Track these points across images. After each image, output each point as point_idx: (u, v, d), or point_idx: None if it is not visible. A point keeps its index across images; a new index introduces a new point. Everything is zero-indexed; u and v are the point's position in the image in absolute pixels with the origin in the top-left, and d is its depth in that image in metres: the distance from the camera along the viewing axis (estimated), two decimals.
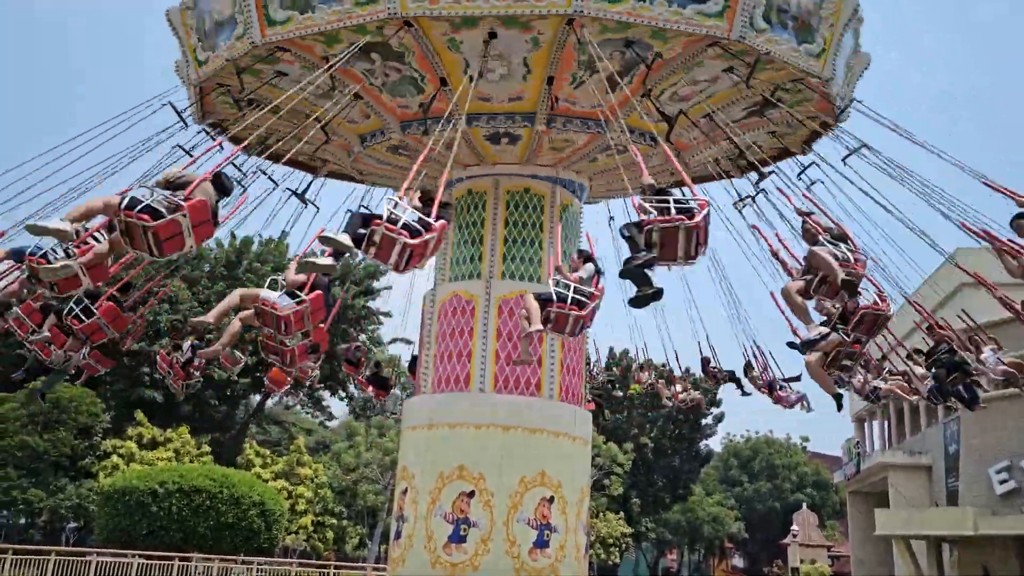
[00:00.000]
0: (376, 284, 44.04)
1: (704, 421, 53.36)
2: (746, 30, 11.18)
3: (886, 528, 36.19)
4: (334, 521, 42.79)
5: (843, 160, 13.10)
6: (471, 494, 12.38)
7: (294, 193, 15.42)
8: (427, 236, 7.74)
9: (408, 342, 37.84)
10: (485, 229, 14.23)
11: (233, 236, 42.22)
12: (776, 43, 11.57)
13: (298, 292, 9.57)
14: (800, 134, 14.66)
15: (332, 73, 11.91)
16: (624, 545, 49.87)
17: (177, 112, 12.25)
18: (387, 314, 44.31)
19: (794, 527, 49.33)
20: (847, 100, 13.71)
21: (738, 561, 72.61)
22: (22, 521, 37.21)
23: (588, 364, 17.43)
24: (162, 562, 26.10)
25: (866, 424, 51.57)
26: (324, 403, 53.82)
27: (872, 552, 45.77)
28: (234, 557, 28.32)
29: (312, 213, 16.03)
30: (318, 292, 9.52)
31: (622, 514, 49.42)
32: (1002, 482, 31.57)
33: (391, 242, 7.54)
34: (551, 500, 12.76)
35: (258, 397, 46.79)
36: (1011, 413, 30.64)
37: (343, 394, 46.38)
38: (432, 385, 13.83)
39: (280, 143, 13.02)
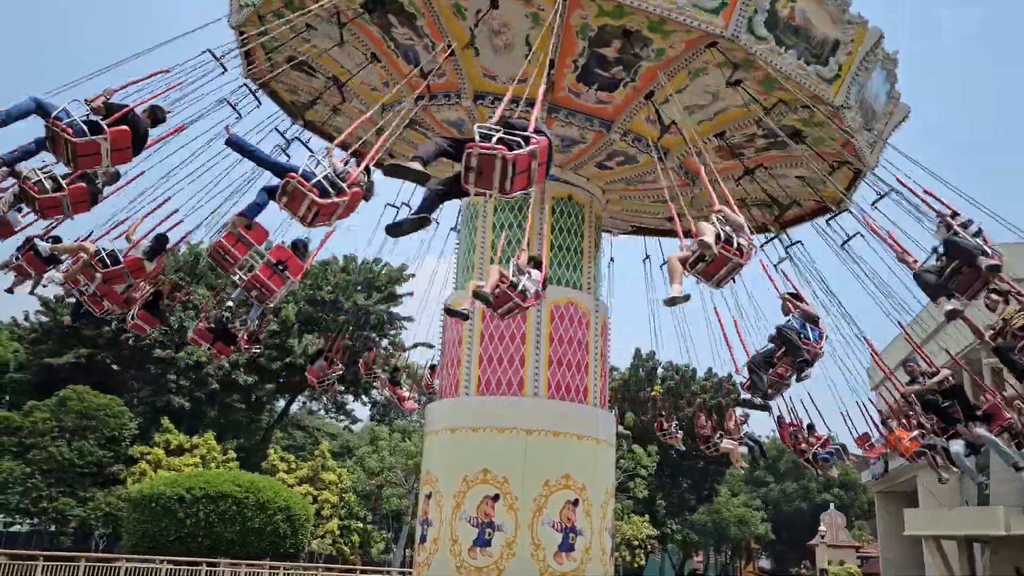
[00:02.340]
0: (399, 289, 44.17)
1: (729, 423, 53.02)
2: (742, 32, 11.00)
3: (915, 528, 35.73)
4: (359, 525, 42.96)
5: (872, 204, 12.89)
6: (496, 497, 12.37)
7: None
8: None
9: (430, 347, 37.86)
10: (486, 235, 14.29)
11: None
12: (778, 55, 11.36)
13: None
14: (832, 179, 14.47)
15: (349, 28, 12.03)
16: (650, 547, 49.62)
17: (216, 57, 12.27)
18: (408, 319, 44.40)
19: (821, 528, 48.83)
20: (878, 145, 13.40)
21: (765, 562, 71.99)
22: (52, 528, 37.71)
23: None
24: (190, 567, 26.32)
25: (894, 424, 50.86)
26: (348, 407, 54.15)
27: (901, 553, 45.15)
28: (261, 562, 28.51)
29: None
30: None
31: (647, 516, 49.18)
32: None
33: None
34: (576, 503, 12.72)
35: (282, 402, 47.12)
36: None
37: (366, 398, 46.55)
38: (450, 389, 13.85)
39: (310, 102, 13.09)
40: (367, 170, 8.39)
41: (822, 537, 47.27)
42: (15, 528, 43.99)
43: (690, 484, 56.08)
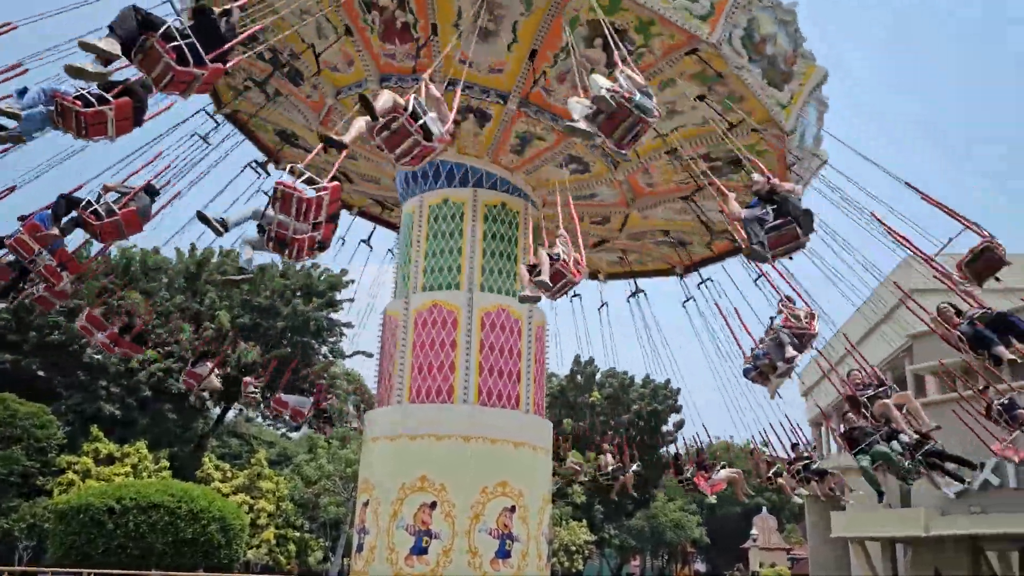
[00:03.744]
0: (338, 295, 43.84)
1: (665, 428, 53.96)
2: (727, 46, 11.28)
3: (841, 530, 36.93)
4: (297, 534, 42.38)
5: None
6: (433, 505, 12.45)
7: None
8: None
9: (369, 355, 37.73)
10: (464, 240, 14.37)
11: (193, 247, 41.76)
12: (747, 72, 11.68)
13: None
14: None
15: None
16: (587, 552, 50.12)
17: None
18: (348, 325, 44.04)
19: (754, 531, 50.03)
20: (794, 107, 13.14)
21: (700, 566, 73.28)
22: None
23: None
24: None
25: (823, 428, 52.45)
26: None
27: (830, 554, 46.56)
28: (193, 574, 27.95)
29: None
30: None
31: (585, 521, 49.69)
32: None
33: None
34: (513, 509, 12.86)
35: (218, 410, 46.23)
36: (962, 415, 31.45)
37: None
38: (388, 397, 13.88)
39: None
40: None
41: (754, 540, 48.45)
42: None
43: None
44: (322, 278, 42.82)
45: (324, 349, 43.86)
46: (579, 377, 52.22)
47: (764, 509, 63.08)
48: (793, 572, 59.52)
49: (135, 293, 35.23)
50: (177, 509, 28.23)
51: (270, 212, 8.56)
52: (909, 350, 36.29)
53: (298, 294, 42.33)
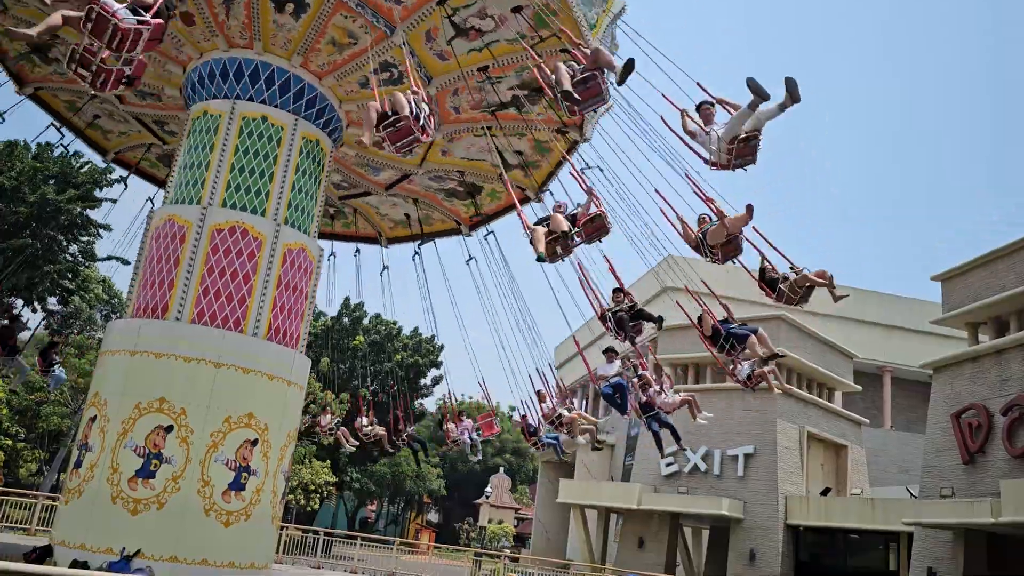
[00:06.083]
0: (99, 193, 39.88)
1: (423, 381, 55.00)
2: None
3: (567, 497, 39.74)
4: (9, 442, 38.65)
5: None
6: (169, 428, 11.93)
7: None
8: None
9: (125, 261, 35.10)
10: (213, 154, 13.66)
11: None
12: None
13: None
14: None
15: None
16: (326, 493, 50.14)
17: None
18: (107, 227, 40.35)
19: (488, 488, 52.58)
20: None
21: (433, 516, 75.92)
22: None
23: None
24: None
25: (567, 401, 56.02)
26: (16, 311, 48.17)
27: (553, 517, 50.17)
28: None
29: None
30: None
31: (329, 462, 49.62)
32: (667, 464, 35.91)
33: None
34: (255, 442, 12.63)
35: None
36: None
37: (38, 305, 41.77)
38: (139, 310, 13.07)
39: None
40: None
41: (487, 497, 50.91)
42: None
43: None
44: (83, 170, 38.78)
45: (74, 248, 39.92)
46: (346, 319, 51.71)
47: (502, 469, 66.54)
48: (517, 530, 63.46)
49: None
50: None
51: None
52: (654, 341, 39.56)
53: (51, 181, 38.09)
